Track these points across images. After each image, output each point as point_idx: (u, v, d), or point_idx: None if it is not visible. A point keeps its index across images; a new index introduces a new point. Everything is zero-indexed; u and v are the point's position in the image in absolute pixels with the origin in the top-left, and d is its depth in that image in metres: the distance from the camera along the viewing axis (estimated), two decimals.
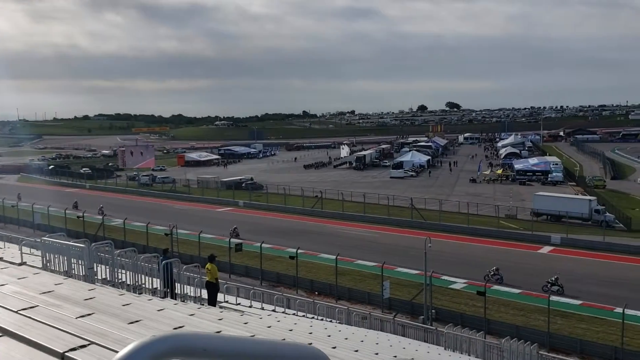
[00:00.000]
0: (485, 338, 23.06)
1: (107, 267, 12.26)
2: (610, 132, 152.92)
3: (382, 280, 29.59)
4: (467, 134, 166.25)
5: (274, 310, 18.73)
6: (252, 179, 76.91)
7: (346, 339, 11.35)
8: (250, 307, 18.32)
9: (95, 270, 11.50)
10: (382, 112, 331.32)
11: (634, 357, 23.02)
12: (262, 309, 18.70)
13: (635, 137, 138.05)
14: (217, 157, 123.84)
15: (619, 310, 24.80)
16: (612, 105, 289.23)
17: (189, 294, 14.84)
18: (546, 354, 21.95)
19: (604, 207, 49.51)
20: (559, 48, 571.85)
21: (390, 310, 28.78)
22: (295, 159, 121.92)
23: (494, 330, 25.61)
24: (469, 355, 20.15)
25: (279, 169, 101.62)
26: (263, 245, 35.58)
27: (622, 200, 59.05)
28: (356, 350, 8.18)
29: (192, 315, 7.80)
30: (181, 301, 12.92)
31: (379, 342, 13.96)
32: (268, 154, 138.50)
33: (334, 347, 7.92)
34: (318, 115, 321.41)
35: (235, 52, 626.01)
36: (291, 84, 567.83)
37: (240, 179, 76.86)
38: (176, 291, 13.95)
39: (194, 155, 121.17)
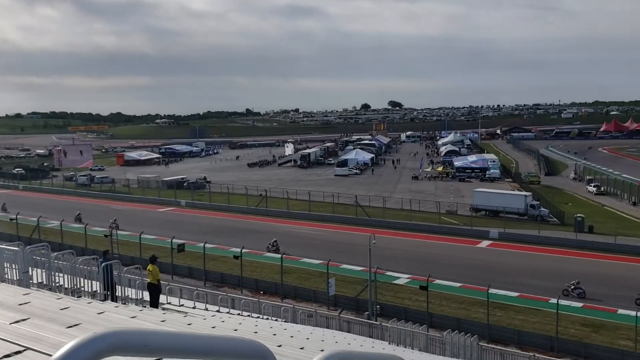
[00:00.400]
0: (428, 331, 23.60)
1: (44, 270, 11.79)
2: (544, 130, 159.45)
3: (328, 278, 29.77)
4: (409, 132, 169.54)
5: (218, 311, 18.52)
6: (205, 178, 76.43)
7: (292, 337, 11.35)
8: (193, 308, 18.03)
9: (30, 274, 11.03)
10: (326, 111, 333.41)
11: (568, 345, 24.11)
12: (206, 309, 18.45)
13: (568, 135, 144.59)
14: (158, 156, 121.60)
15: (553, 301, 25.92)
16: (546, 104, 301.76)
17: (130, 296, 14.46)
18: (486, 345, 22.65)
19: (538, 202, 51.58)
20: (496, 49, 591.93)
21: (336, 307, 29.00)
22: (238, 157, 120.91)
23: (437, 324, 26.23)
24: (413, 349, 20.57)
25: (222, 168, 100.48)
26: (206, 245, 35.12)
27: (555, 195, 61.68)
28: (302, 348, 8.19)
29: (133, 317, 7.62)
30: (122, 304, 12.59)
31: (324, 339, 14.05)
32: (211, 152, 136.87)
33: (280, 346, 7.90)
34: (262, 113, 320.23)
35: (176, 49, 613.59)
36: (234, 82, 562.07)
37: (182, 178, 75.69)
38: (117, 294, 13.58)
39: (134, 155, 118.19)
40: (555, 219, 49.26)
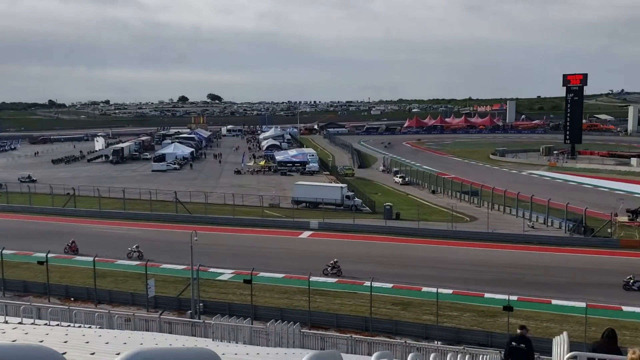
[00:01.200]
0: (252, 324, 23.69)
1: None
2: (357, 125, 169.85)
3: (147, 279, 28.42)
4: (230, 126, 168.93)
5: (20, 323, 16.59)
6: (29, 176, 69.62)
7: (107, 343, 10.52)
8: None
9: None
10: (140, 103, 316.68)
11: (381, 324, 25.96)
12: (6, 322, 16.41)
13: (377, 130, 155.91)
14: None
15: (367, 284, 27.69)
16: (357, 101, 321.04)
17: None
18: (307, 331, 23.40)
19: (353, 193, 54.93)
20: (311, 46, 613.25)
21: (157, 309, 27.82)
22: (37, 153, 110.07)
23: (261, 315, 26.47)
24: (237, 343, 20.46)
25: (21, 165, 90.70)
26: (4, 251, 31.48)
27: (367, 186, 66.15)
28: (118, 354, 7.56)
29: None
30: None
31: (143, 342, 13.28)
32: (7, 148, 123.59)
33: (93, 353, 7.22)
34: (67, 105, 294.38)
35: None
36: (34, 71, 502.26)
37: None
38: None
39: None
40: (367, 208, 52.85)
